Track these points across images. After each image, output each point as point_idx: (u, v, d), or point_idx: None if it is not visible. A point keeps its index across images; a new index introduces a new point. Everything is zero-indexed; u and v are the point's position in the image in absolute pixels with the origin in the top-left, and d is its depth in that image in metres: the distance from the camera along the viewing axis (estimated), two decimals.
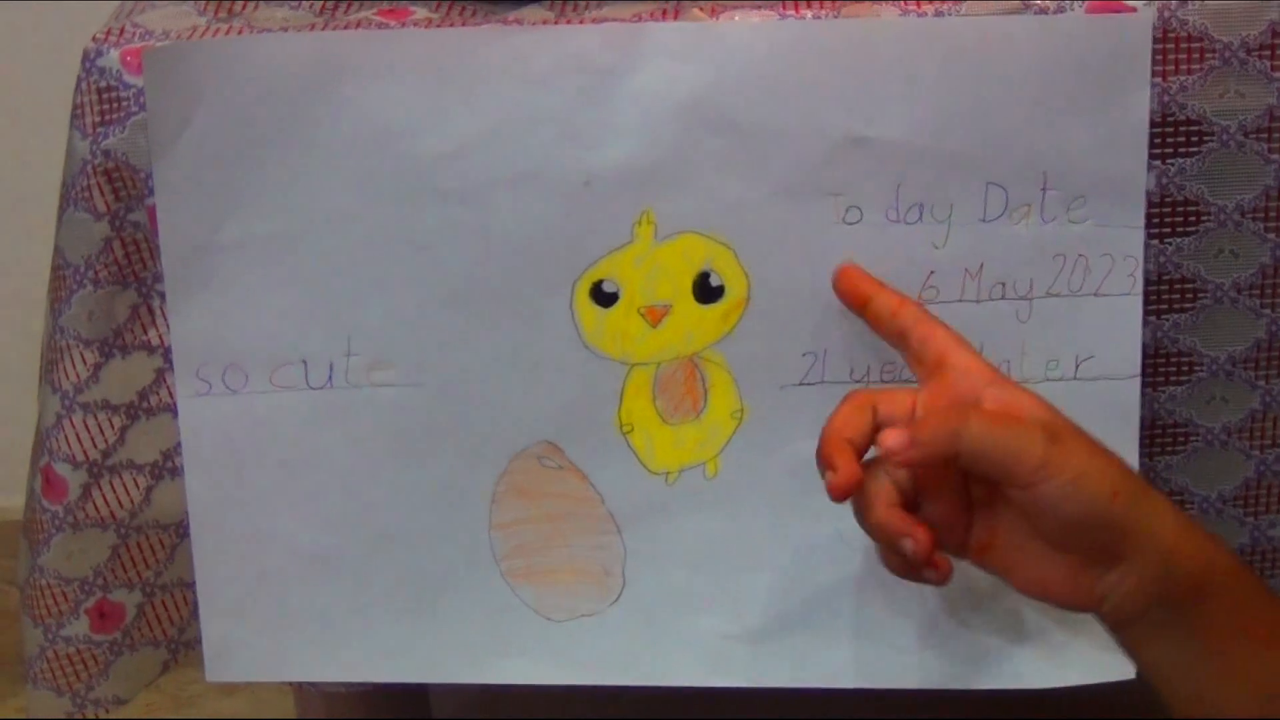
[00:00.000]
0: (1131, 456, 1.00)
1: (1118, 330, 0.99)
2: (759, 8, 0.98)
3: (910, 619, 1.04)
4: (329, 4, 1.03)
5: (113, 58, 0.98)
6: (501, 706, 1.16)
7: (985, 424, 0.88)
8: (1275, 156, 0.98)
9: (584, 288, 1.00)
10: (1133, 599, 0.88)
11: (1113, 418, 1.00)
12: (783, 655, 1.05)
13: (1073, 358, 1.00)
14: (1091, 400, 1.00)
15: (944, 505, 0.92)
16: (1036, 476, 0.87)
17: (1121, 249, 0.98)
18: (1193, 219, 0.99)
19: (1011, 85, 0.95)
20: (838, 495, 0.89)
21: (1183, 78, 0.96)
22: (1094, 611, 0.90)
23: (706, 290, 1.00)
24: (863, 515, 0.91)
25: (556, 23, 0.99)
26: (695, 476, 1.03)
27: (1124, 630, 0.90)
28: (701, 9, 0.98)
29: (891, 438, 0.88)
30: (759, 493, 1.03)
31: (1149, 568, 0.88)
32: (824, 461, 0.90)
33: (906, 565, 0.90)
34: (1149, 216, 0.97)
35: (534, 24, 0.98)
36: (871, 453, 0.91)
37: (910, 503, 0.92)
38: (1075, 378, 1.00)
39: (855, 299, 0.98)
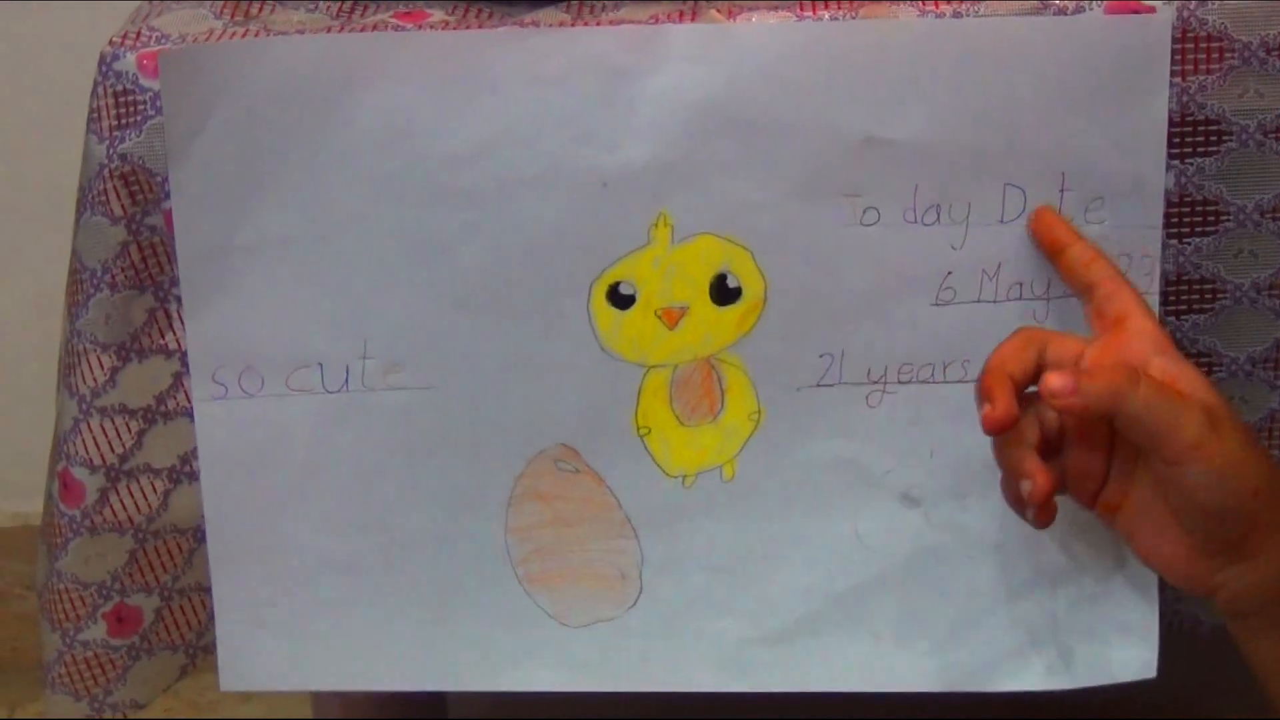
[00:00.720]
0: None
1: None
2: (776, 9, 0.98)
3: (927, 621, 1.03)
4: (345, 7, 1.03)
5: (129, 61, 0.98)
6: (519, 710, 1.16)
7: (1151, 391, 0.88)
8: None
9: (601, 290, 0.99)
10: (1250, 595, 0.89)
11: None
12: (801, 659, 1.04)
13: None
14: None
15: (1085, 457, 0.93)
16: (1187, 457, 0.87)
17: (1140, 249, 0.97)
18: (1212, 219, 0.98)
19: (1030, 86, 0.95)
20: (992, 429, 0.89)
21: (1202, 77, 0.96)
22: (1208, 597, 0.90)
23: (724, 292, 0.99)
24: (998, 445, 0.92)
25: (573, 25, 0.98)
26: (712, 479, 1.03)
27: (1237, 621, 0.91)
28: (718, 10, 0.98)
29: (1057, 380, 0.88)
30: (777, 495, 1.02)
31: (1272, 568, 0.89)
32: (983, 392, 0.90)
33: (1017, 497, 0.91)
34: (1168, 216, 0.97)
35: (550, 26, 0.98)
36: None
37: (1053, 445, 0.92)
38: None
39: (1050, 244, 0.97)
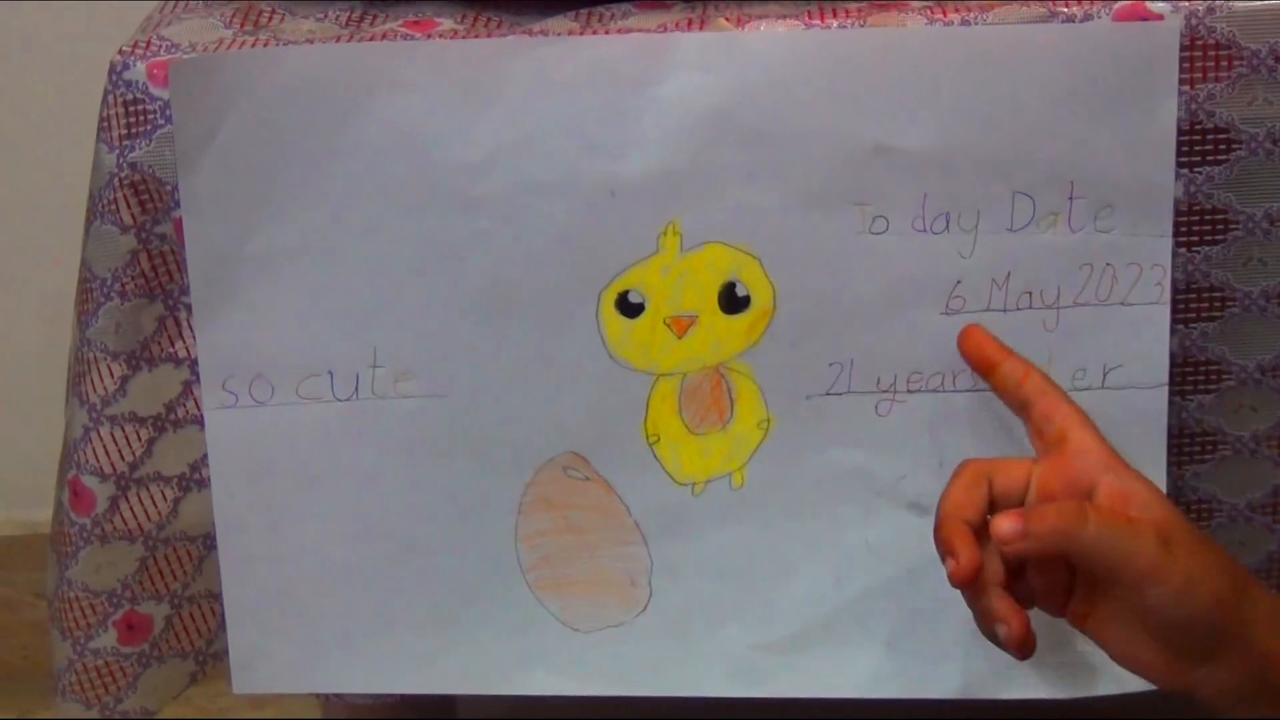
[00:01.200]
0: (1159, 466, 1.00)
1: (1145, 339, 0.99)
2: (784, 17, 0.98)
3: (938, 628, 1.03)
4: (355, 16, 1.03)
5: (139, 70, 0.98)
6: (528, 713, 1.16)
7: (1100, 525, 0.88)
8: None
9: (610, 298, 0.99)
10: (1229, 692, 0.89)
11: (1140, 427, 1.00)
12: (811, 665, 1.04)
13: (1100, 366, 1.00)
14: (1119, 409, 1.00)
15: (1049, 576, 0.93)
16: (1144, 584, 0.88)
17: (1149, 258, 0.97)
18: (1221, 227, 0.98)
19: (1038, 94, 0.95)
20: (961, 583, 0.90)
21: (1211, 85, 0.95)
22: (1189, 695, 0.90)
23: (732, 300, 1.00)
24: (965, 595, 0.92)
25: (582, 33, 0.99)
26: (722, 487, 1.03)
27: (1222, 714, 0.90)
28: (727, 19, 0.98)
29: (1006, 527, 0.88)
30: (786, 503, 1.03)
31: (1245, 666, 0.89)
32: (944, 547, 0.90)
33: (994, 636, 0.91)
34: (1177, 225, 0.97)
35: (559, 34, 0.98)
36: None
37: (1017, 568, 0.92)
38: (1103, 387, 1.00)
39: (981, 363, 0.98)
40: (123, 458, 1.04)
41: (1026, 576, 0.93)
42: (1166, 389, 1.00)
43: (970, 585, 0.90)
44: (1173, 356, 1.00)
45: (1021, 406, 0.96)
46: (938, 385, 1.00)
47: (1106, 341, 0.99)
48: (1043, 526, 0.88)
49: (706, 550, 1.04)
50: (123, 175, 0.99)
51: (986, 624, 0.91)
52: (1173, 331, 0.99)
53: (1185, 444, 1.02)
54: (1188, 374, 1.01)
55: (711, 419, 1.02)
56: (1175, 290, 0.99)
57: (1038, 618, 0.91)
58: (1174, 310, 0.99)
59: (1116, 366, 1.00)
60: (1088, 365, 1.00)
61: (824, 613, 1.04)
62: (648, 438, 1.02)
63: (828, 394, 1.01)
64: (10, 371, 1.81)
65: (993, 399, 0.98)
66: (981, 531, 0.91)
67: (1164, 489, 1.01)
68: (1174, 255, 0.97)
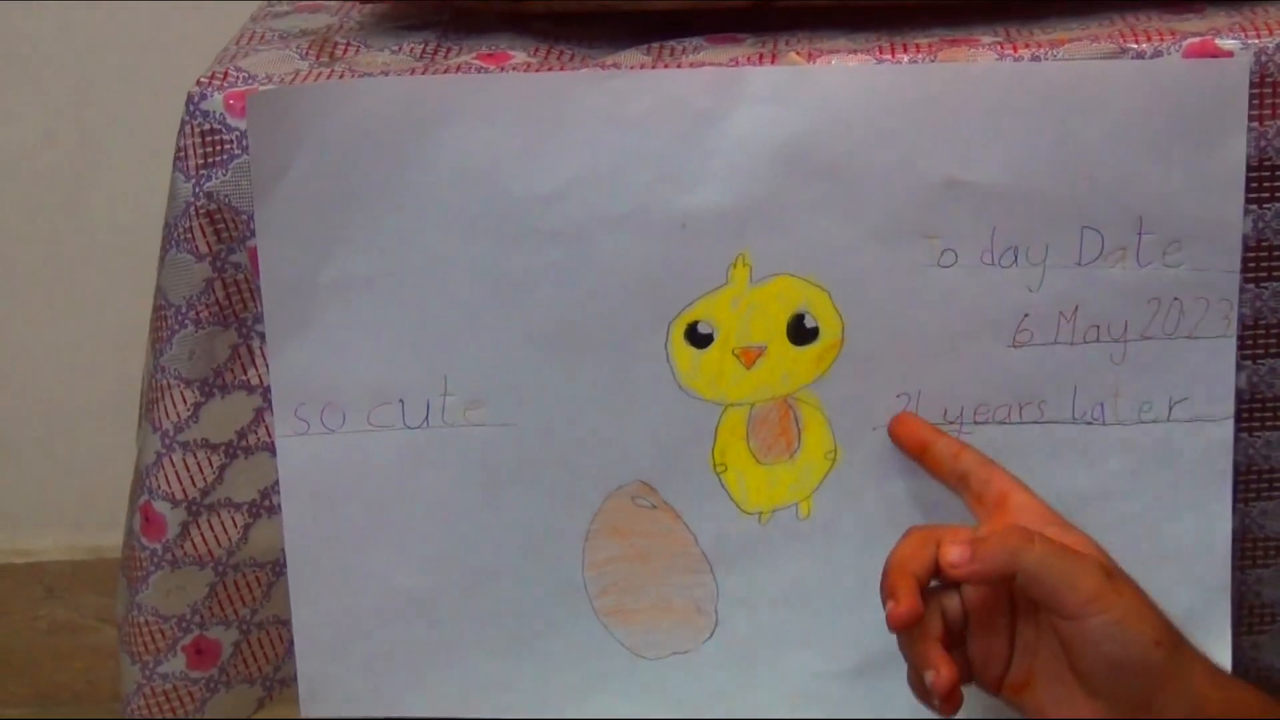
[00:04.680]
0: (1224, 500, 1.01)
1: (1212, 372, 1.00)
2: (855, 52, 0.99)
3: None
4: (429, 48, 1.04)
5: (216, 101, 0.99)
6: None
7: (1046, 547, 0.90)
8: None
9: (679, 329, 1.00)
10: None
11: (1206, 459, 1.01)
12: (875, 692, 1.05)
13: (1166, 400, 1.00)
14: (1185, 442, 1.01)
15: (988, 641, 0.95)
16: (1087, 610, 0.89)
17: (1217, 293, 0.98)
18: None
19: (1108, 130, 0.96)
20: (897, 625, 0.91)
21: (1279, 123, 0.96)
22: None
23: (801, 332, 1.00)
24: (903, 639, 0.93)
25: (654, 67, 0.99)
26: (788, 517, 1.04)
27: None
28: (798, 53, 0.99)
29: (954, 551, 0.91)
30: (852, 533, 1.03)
31: (1181, 714, 0.89)
32: (887, 590, 0.92)
33: (923, 690, 0.93)
34: (1245, 261, 0.98)
35: (631, 68, 0.99)
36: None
37: (956, 636, 0.94)
38: (1169, 420, 1.01)
39: (915, 443, 1.00)
40: (194, 484, 1.05)
41: (966, 646, 0.95)
42: (1233, 421, 1.00)
43: (907, 629, 0.92)
44: (1241, 393, 1.00)
45: (960, 479, 0.99)
46: (1005, 417, 1.01)
47: (1173, 374, 1.00)
48: (990, 547, 0.90)
49: (773, 579, 1.04)
50: (199, 204, 1.00)
51: (918, 669, 0.93)
52: (1241, 367, 0.99)
53: (1253, 480, 1.03)
54: (1255, 410, 1.01)
55: (779, 449, 1.02)
56: (1244, 326, 0.99)
57: None
58: (1242, 346, 0.99)
59: (1183, 400, 1.00)
60: (1154, 399, 1.00)
61: (889, 641, 1.04)
62: (715, 467, 1.03)
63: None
64: (78, 398, 1.83)
65: (1057, 430, 0.99)
66: (927, 591, 0.93)
67: (1229, 523, 1.01)
68: (1242, 291, 0.98)
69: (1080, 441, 1.02)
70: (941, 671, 0.91)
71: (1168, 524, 1.03)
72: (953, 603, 0.94)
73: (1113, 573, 0.91)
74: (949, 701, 0.92)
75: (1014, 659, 0.95)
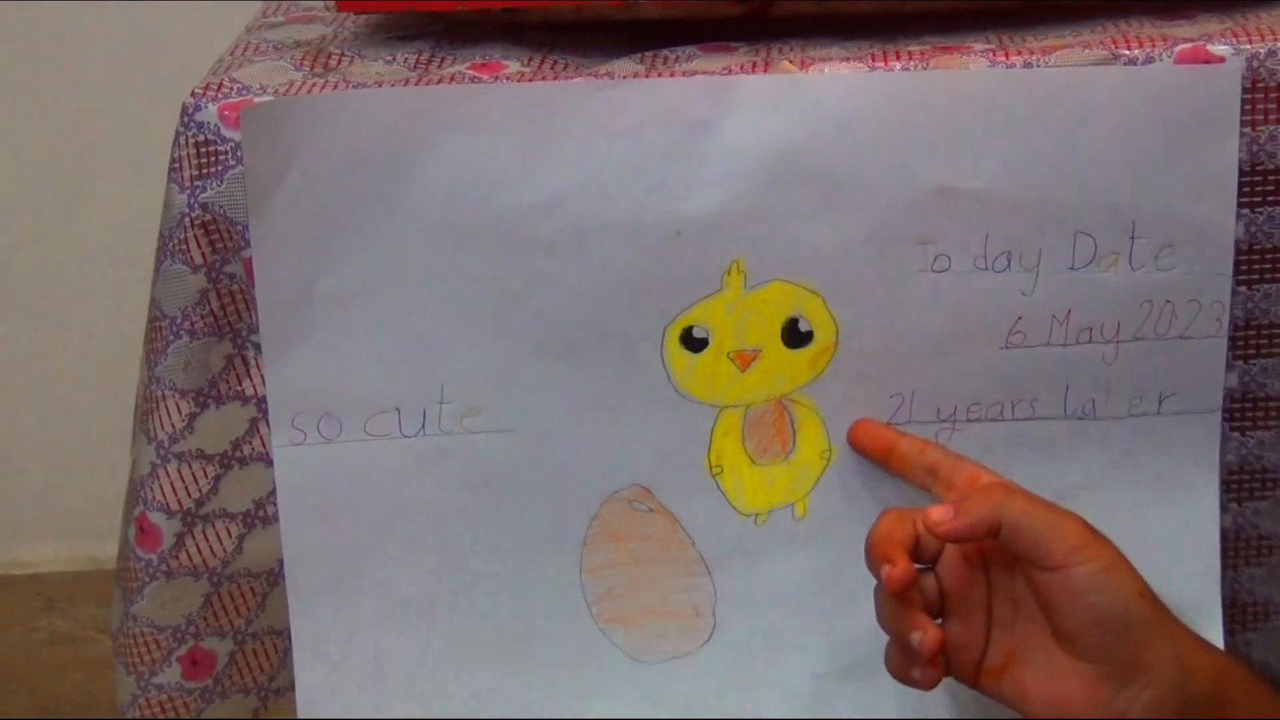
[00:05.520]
0: (1212, 491, 1.03)
1: (1201, 368, 1.01)
2: (848, 60, 0.99)
3: None
4: (423, 58, 1.04)
5: (211, 112, 0.99)
6: None
7: (1027, 501, 0.92)
8: None
9: (674, 334, 1.01)
10: (1152, 711, 0.90)
11: (1194, 451, 1.03)
12: (875, 692, 1.06)
13: (1156, 394, 1.02)
14: (1175, 434, 1.02)
15: (966, 623, 0.95)
16: (1072, 559, 0.90)
17: (1209, 295, 0.99)
18: None
19: (1101, 136, 0.97)
20: (896, 587, 0.92)
21: (1272, 127, 0.97)
22: None
23: (795, 336, 1.01)
24: (886, 611, 0.94)
25: (647, 75, 1.00)
26: (784, 517, 1.04)
27: None
28: (791, 61, 0.99)
29: (937, 511, 0.92)
30: (848, 532, 1.04)
31: (1166, 678, 0.90)
32: (880, 557, 0.93)
33: (903, 662, 0.93)
34: (1237, 263, 0.99)
35: (625, 77, 1.00)
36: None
37: (934, 616, 0.95)
38: (1159, 413, 1.02)
39: (879, 445, 1.01)
40: (189, 494, 1.05)
41: (944, 627, 0.95)
42: (1220, 413, 1.01)
43: (905, 590, 0.92)
44: (1233, 393, 1.01)
45: (928, 470, 1.00)
46: (996, 414, 1.02)
47: (1164, 372, 1.01)
48: (972, 503, 0.92)
49: (770, 580, 1.05)
50: (194, 215, 1.00)
51: (904, 634, 0.93)
52: (1233, 368, 1.00)
53: (1245, 480, 1.04)
54: (1248, 410, 1.02)
55: (774, 449, 1.03)
56: (1236, 327, 1.00)
57: None
58: (1234, 347, 1.00)
59: (1172, 394, 1.02)
60: (1144, 394, 1.02)
61: (886, 641, 1.04)
62: (711, 469, 1.03)
63: (889, 424, 1.02)
64: (76, 410, 1.82)
65: (1048, 426, 1.01)
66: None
67: (1217, 517, 1.03)
68: (1234, 293, 0.99)
69: (1071, 435, 1.03)
70: (929, 631, 0.92)
71: (1158, 514, 1.04)
72: (930, 583, 0.95)
73: (1092, 529, 0.92)
74: (933, 664, 0.92)
75: (991, 641, 0.95)
